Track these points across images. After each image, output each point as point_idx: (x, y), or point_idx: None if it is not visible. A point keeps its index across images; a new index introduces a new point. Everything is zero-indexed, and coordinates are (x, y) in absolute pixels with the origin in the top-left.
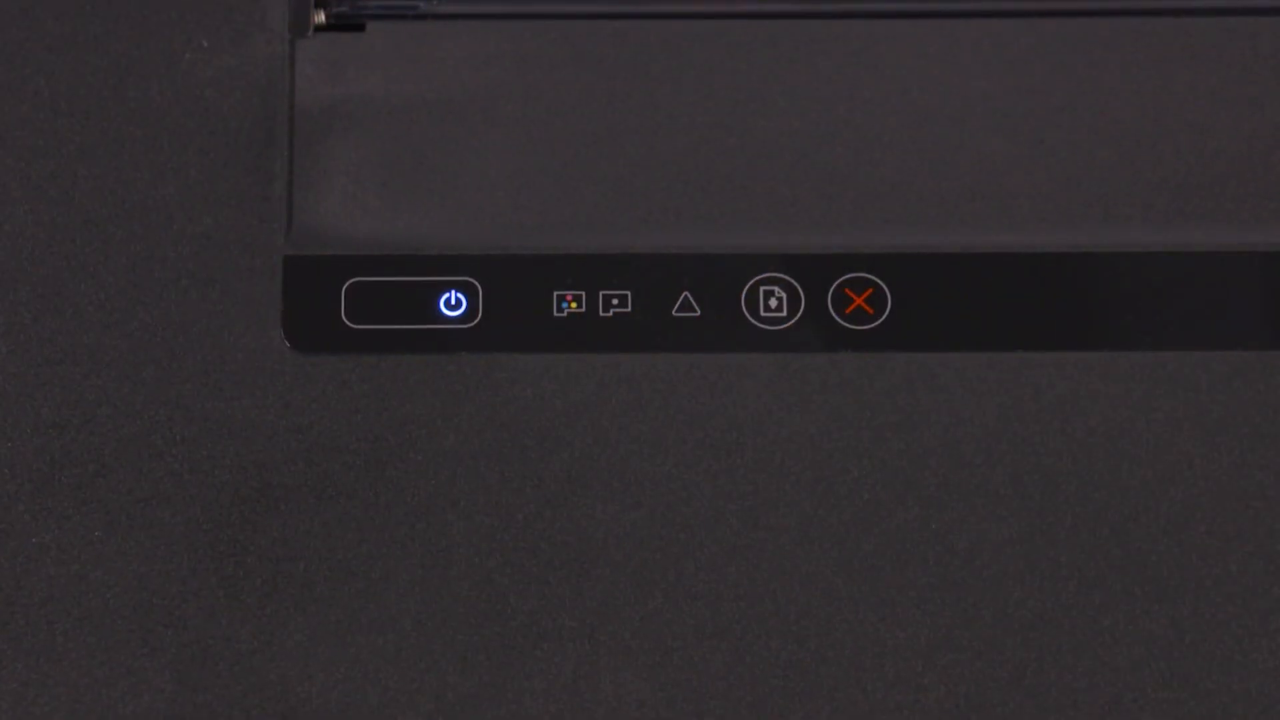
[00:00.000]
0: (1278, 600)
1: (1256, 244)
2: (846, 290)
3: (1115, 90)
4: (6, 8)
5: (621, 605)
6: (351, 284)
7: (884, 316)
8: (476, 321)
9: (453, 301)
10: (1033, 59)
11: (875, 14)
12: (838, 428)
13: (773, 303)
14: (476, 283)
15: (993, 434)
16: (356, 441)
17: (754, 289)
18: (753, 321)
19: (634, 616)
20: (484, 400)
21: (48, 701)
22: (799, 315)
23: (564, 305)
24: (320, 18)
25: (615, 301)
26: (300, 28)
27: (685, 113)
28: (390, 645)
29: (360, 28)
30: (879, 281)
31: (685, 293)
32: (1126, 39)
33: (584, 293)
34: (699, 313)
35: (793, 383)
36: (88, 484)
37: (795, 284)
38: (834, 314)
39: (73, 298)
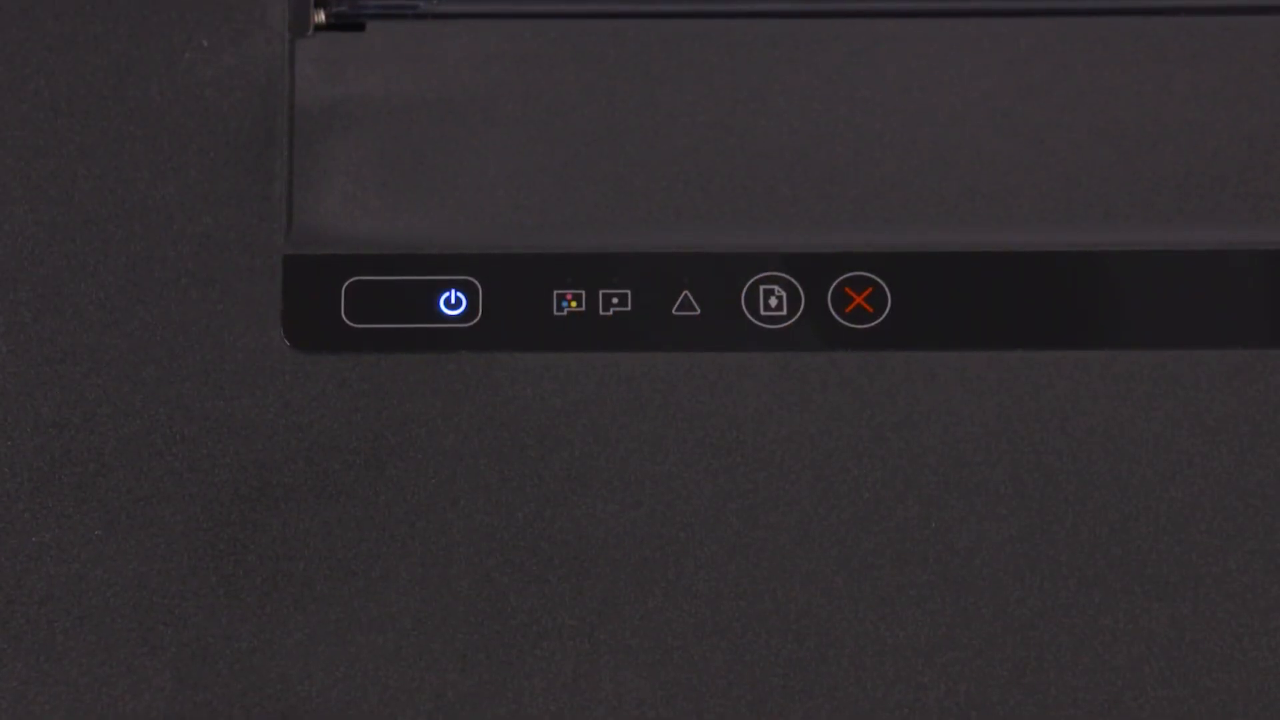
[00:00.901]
0: (1278, 600)
1: (1256, 244)
2: (846, 289)
3: (1115, 90)
4: (6, 8)
5: (621, 605)
6: (351, 283)
7: (884, 315)
8: (476, 321)
9: (452, 301)
10: (1033, 59)
11: (875, 14)
12: (838, 427)
13: (773, 302)
14: (476, 282)
15: (993, 433)
16: (356, 441)
17: (754, 288)
18: (753, 320)
19: (634, 616)
20: (484, 400)
21: (48, 701)
22: (799, 314)
23: (564, 304)
24: (320, 17)
25: (615, 301)
26: (300, 27)
27: (685, 112)
28: (390, 645)
29: (360, 27)
30: (879, 280)
31: (685, 292)
32: (1126, 39)
33: (584, 292)
34: (699, 312)
35: (793, 382)
36: (88, 484)
37: (795, 283)
38: (834, 313)
39: (73, 298)
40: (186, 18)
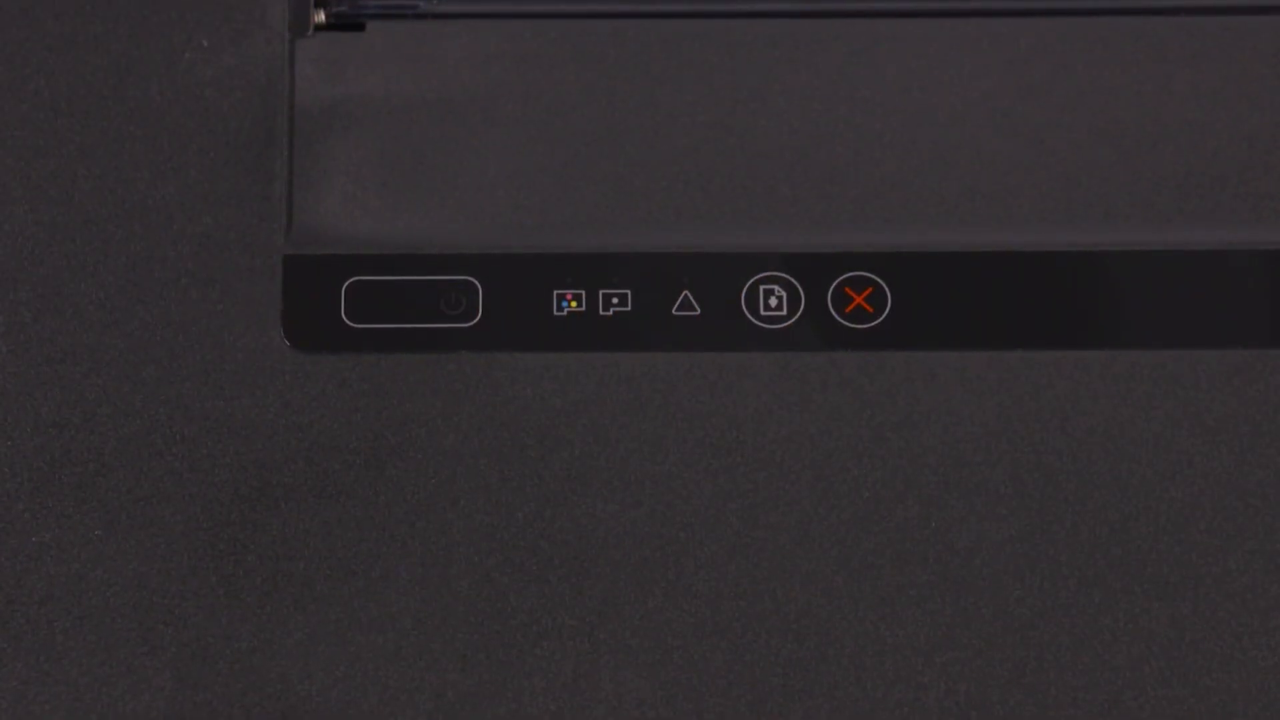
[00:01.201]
0: (1278, 600)
1: (1256, 244)
2: (846, 289)
3: (1115, 90)
4: (6, 8)
5: (621, 605)
6: (351, 283)
7: (884, 315)
8: (476, 321)
9: (453, 301)
10: (1033, 59)
11: (875, 14)
12: (838, 427)
13: (772, 302)
14: (476, 282)
15: (993, 433)
16: (356, 441)
17: (754, 288)
18: (753, 320)
19: (634, 616)
20: (484, 400)
21: (48, 701)
22: (799, 314)
23: (564, 304)
24: (320, 17)
25: (615, 301)
26: (300, 27)
27: (685, 112)
28: (390, 645)
29: (360, 27)
30: (879, 280)
31: (685, 292)
32: (1126, 39)
33: (584, 292)
34: (699, 312)
35: (793, 382)
36: (88, 484)
37: (795, 283)
38: (834, 313)
39: (73, 298)
40: (186, 18)
